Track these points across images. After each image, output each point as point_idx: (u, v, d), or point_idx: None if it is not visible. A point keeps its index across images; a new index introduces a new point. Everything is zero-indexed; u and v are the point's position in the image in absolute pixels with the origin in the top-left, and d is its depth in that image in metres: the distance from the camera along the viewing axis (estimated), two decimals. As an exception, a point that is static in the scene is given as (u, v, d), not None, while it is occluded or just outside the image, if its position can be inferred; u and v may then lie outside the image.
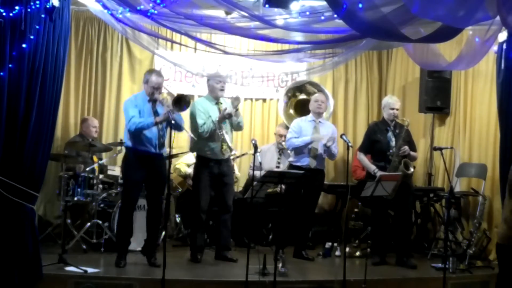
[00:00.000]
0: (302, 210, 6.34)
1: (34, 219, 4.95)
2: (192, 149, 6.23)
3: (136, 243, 5.83)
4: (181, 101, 5.34)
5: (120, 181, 6.48)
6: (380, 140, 6.21)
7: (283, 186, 5.98)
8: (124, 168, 5.83)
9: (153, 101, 5.59)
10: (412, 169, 6.12)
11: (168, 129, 5.56)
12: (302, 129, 6.35)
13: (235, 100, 5.91)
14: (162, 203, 5.74)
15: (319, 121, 6.41)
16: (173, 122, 5.28)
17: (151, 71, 5.75)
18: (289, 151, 6.58)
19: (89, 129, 6.93)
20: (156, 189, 5.65)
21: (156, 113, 5.56)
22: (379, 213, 6.21)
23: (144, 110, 5.55)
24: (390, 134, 6.21)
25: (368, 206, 6.56)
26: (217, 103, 5.96)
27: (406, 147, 6.09)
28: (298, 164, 6.26)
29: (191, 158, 7.05)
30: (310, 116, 6.50)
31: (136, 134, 5.49)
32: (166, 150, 5.70)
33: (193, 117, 5.90)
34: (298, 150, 6.30)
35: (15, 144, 4.72)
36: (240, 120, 6.01)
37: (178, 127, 5.56)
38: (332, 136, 6.30)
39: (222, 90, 5.97)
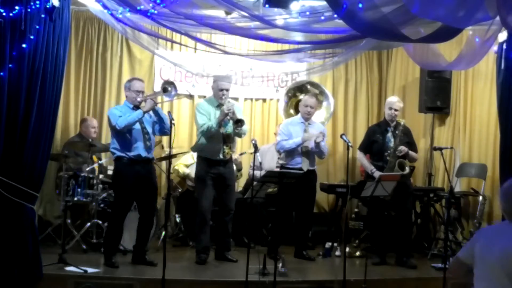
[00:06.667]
0: (300, 212, 6.35)
1: (34, 219, 4.96)
2: (193, 149, 6.24)
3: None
4: (168, 85, 5.64)
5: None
6: (379, 140, 6.23)
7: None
8: (115, 179, 5.77)
9: (137, 107, 5.65)
10: (407, 169, 6.13)
11: (168, 128, 5.59)
12: (292, 132, 6.34)
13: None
14: (155, 211, 5.80)
15: (308, 123, 6.40)
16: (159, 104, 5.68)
17: (131, 79, 5.89)
18: (280, 154, 6.53)
19: (88, 130, 6.92)
20: (148, 198, 5.70)
21: (143, 129, 5.64)
22: (375, 213, 6.23)
23: None
24: (389, 134, 6.22)
25: (367, 206, 6.57)
26: (219, 105, 5.94)
27: (403, 147, 6.10)
28: (290, 166, 6.25)
29: (189, 158, 7.05)
30: (298, 118, 6.48)
31: (124, 135, 5.53)
32: (153, 155, 5.83)
33: (195, 119, 5.98)
34: (289, 152, 6.29)
35: (15, 144, 4.73)
36: (243, 132, 5.99)
37: (163, 121, 5.63)
38: (321, 132, 6.28)
39: (222, 97, 5.92)
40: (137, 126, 5.60)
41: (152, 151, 5.77)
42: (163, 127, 5.69)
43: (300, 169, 6.18)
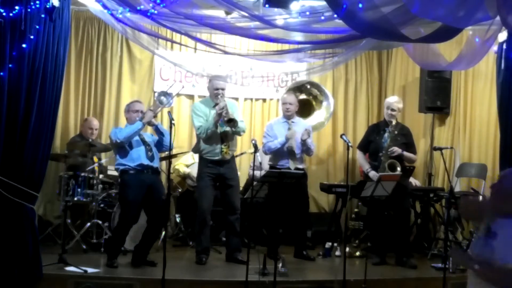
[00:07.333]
0: (295, 211, 6.34)
1: (34, 219, 4.95)
2: (194, 150, 6.24)
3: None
4: (164, 96, 5.75)
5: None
6: (375, 140, 6.25)
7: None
8: (121, 190, 5.79)
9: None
10: (399, 169, 6.10)
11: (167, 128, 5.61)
12: (276, 132, 6.35)
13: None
14: (163, 222, 5.76)
15: (292, 121, 6.42)
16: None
17: (130, 102, 5.96)
18: (267, 155, 6.52)
19: (86, 130, 6.92)
20: (154, 208, 5.67)
21: (143, 140, 5.70)
22: (375, 213, 6.23)
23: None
24: (386, 134, 6.21)
25: (367, 206, 6.57)
26: (215, 105, 5.90)
27: (395, 148, 6.10)
28: (278, 166, 6.25)
29: (189, 158, 7.06)
30: (281, 117, 6.52)
31: (124, 148, 5.58)
32: (158, 164, 5.85)
33: (192, 121, 5.98)
34: (277, 152, 6.30)
35: (15, 144, 4.73)
36: (241, 130, 5.98)
37: (163, 135, 5.68)
38: (306, 129, 6.29)
39: (218, 96, 5.89)
40: (137, 138, 5.66)
41: (156, 162, 5.76)
42: (163, 140, 5.70)
43: (288, 168, 6.19)
